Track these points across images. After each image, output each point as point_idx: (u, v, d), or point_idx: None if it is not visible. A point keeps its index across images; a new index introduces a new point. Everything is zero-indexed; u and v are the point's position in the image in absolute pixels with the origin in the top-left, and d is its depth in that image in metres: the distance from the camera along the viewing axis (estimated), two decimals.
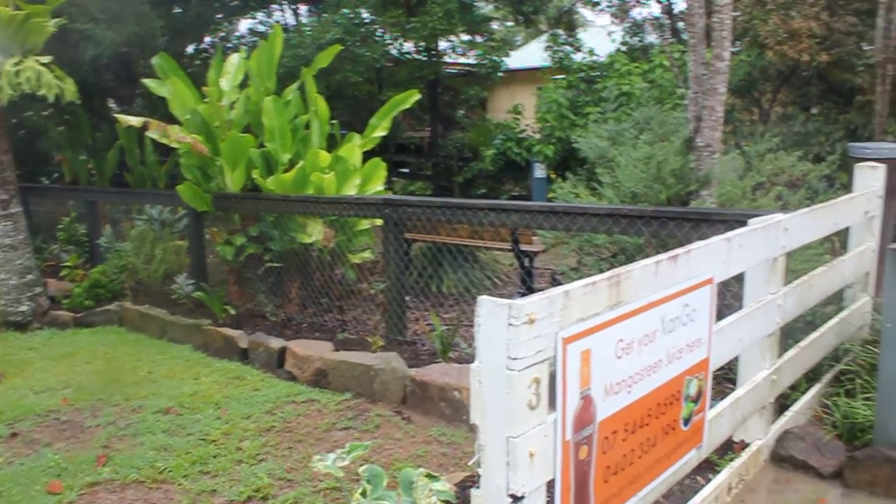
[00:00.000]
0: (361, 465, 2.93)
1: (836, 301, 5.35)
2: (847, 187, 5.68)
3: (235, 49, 10.14)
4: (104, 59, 11.26)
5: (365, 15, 16.30)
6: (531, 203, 8.54)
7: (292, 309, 7.52)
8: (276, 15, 19.38)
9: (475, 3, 17.90)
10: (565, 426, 2.36)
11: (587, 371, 2.43)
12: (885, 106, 10.31)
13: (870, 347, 4.92)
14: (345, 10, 15.68)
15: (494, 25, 22.26)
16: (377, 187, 8.16)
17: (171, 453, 4.71)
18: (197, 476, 4.42)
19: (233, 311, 7.41)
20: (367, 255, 7.76)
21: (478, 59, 18.02)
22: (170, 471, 4.47)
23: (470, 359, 5.71)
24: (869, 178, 5.24)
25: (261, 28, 18.94)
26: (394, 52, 17.40)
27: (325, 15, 15.86)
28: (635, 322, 2.66)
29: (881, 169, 5.28)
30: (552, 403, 2.32)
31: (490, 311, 2.14)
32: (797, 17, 10.52)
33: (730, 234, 3.34)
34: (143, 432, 5.09)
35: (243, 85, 8.40)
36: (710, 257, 3.12)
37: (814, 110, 12.24)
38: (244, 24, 19.56)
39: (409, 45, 17.62)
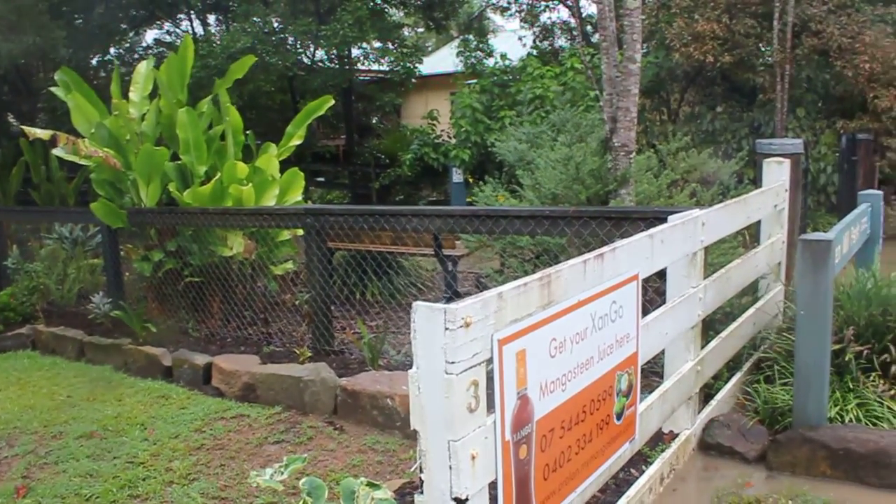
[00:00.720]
0: (299, 479, 2.89)
1: (751, 291, 5.55)
2: (755, 182, 5.91)
3: (143, 58, 9.88)
4: (1, 71, 10.85)
5: (275, 23, 16.14)
6: (454, 208, 8.58)
7: (215, 324, 7.38)
8: (184, 24, 19.01)
9: (386, 10, 17.93)
10: (504, 427, 2.38)
11: (523, 371, 2.46)
12: (784, 104, 10.78)
13: (785, 335, 5.12)
14: (255, 19, 15.49)
15: (406, 32, 22.35)
16: (296, 197, 8.09)
17: (97, 479, 4.55)
18: (126, 500, 4.28)
19: (154, 329, 7.22)
20: (289, 265, 7.68)
21: (391, 65, 18.06)
22: (97, 497, 4.32)
23: (399, 366, 5.71)
24: (776, 173, 5.46)
25: (168, 38, 18.57)
26: (306, 60, 17.28)
27: (235, 24, 15.64)
28: (567, 321, 2.70)
29: (787, 163, 5.51)
30: (491, 405, 2.34)
31: (426, 317, 2.15)
32: (700, 20, 10.90)
33: (652, 230, 3.43)
34: (66, 459, 4.90)
35: (153, 96, 8.22)
36: (634, 254, 3.19)
37: (719, 109, 12.66)
38: (150, 35, 19.14)
39: (321, 53, 17.53)
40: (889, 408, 4.56)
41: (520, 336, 2.43)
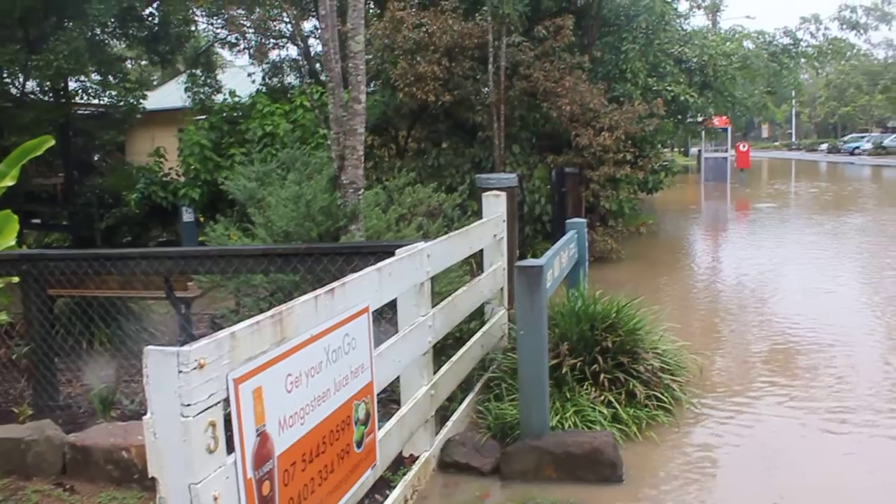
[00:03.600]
0: None
1: (478, 316, 5.95)
2: (478, 214, 6.36)
3: None
4: None
5: None
6: (184, 248, 8.33)
7: None
8: None
9: (106, 42, 17.05)
10: (245, 465, 2.41)
11: (261, 408, 2.51)
12: (501, 140, 11.64)
13: (510, 354, 5.56)
14: None
15: (129, 65, 21.33)
16: (9, 242, 7.42)
17: None
18: None
19: None
20: (2, 317, 7.04)
21: (112, 100, 17.12)
22: None
23: (134, 415, 5.46)
24: (494, 205, 5.92)
25: None
26: (14, 91, 15.95)
27: None
28: (302, 356, 2.79)
29: (503, 196, 6.00)
30: (231, 444, 2.37)
31: (158, 361, 2.14)
32: (422, 62, 11.48)
33: (380, 264, 3.62)
34: None
35: None
36: (364, 288, 3.35)
37: (444, 145, 13.36)
38: None
39: (32, 85, 16.27)
40: (600, 411, 5.11)
41: (255, 374, 2.48)
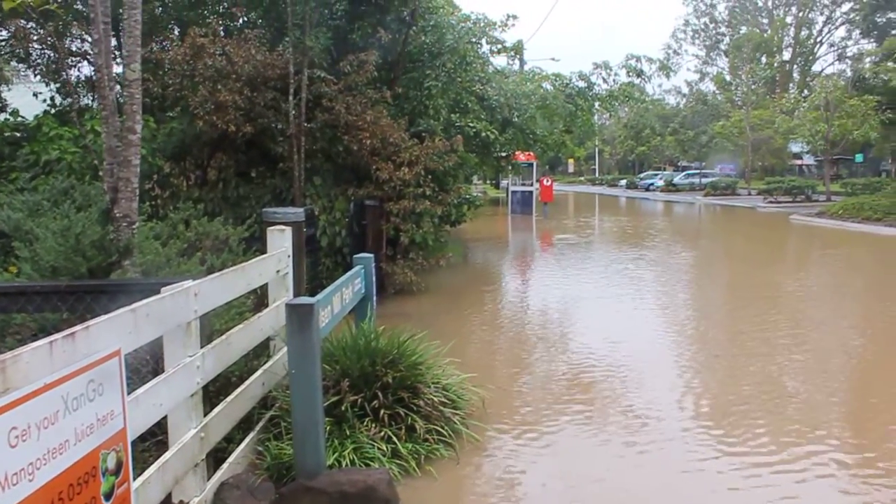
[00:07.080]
0: None
1: (265, 353, 5.83)
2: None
3: None
4: None
5: None
6: None
7: None
8: None
9: None
10: None
11: None
12: (301, 172, 11.58)
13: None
14: None
15: None
16: None
17: None
18: None
19: None
20: None
21: None
22: None
23: None
24: (279, 240, 5.85)
25: None
26: None
27: None
28: (31, 406, 2.60)
29: (288, 231, 5.94)
30: None
31: None
32: (223, 91, 11.23)
33: (135, 305, 3.46)
34: None
35: None
36: (115, 330, 3.19)
37: (253, 174, 13.06)
38: None
39: None
40: (380, 448, 5.14)
41: None
